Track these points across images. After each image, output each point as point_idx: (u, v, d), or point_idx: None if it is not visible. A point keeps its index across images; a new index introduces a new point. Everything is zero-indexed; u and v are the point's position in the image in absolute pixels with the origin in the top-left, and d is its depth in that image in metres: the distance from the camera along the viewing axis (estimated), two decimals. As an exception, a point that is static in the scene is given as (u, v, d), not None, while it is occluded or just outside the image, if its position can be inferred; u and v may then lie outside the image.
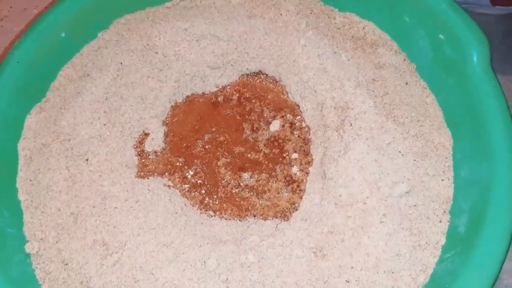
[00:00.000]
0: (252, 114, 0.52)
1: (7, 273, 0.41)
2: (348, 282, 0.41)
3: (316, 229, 0.43)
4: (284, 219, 0.46)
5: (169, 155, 0.50)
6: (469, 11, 0.49)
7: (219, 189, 0.48)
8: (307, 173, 0.48)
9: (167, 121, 0.52)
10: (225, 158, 0.49)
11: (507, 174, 0.41)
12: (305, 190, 0.48)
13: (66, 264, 0.42)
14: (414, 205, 0.43)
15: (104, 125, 0.49)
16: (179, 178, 0.48)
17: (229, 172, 0.49)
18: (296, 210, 0.46)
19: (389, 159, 0.45)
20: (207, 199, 0.48)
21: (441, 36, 0.49)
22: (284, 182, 0.48)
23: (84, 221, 0.44)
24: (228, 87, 0.54)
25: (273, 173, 0.49)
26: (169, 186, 0.48)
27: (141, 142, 0.50)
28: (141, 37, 0.54)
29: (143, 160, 0.49)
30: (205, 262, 0.42)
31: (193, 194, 0.48)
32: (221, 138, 0.51)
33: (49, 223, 0.44)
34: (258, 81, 0.54)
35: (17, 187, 0.46)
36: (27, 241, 0.43)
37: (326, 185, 0.46)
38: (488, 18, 0.61)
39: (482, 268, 0.38)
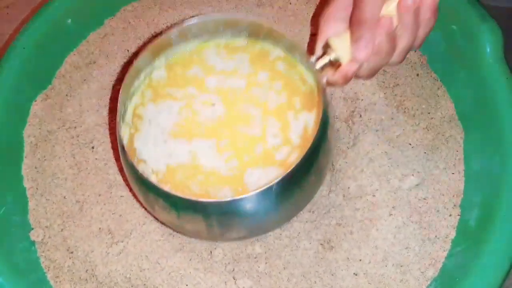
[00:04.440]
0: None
1: (12, 260, 0.40)
2: (356, 275, 0.40)
3: (324, 221, 0.43)
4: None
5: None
6: (481, 3, 0.48)
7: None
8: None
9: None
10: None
11: (519, 168, 0.40)
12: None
13: (71, 252, 0.42)
14: (424, 198, 0.43)
15: (111, 112, 0.48)
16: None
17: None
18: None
19: (399, 151, 0.45)
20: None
21: (454, 27, 0.48)
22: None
23: (89, 209, 0.44)
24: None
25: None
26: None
27: (147, 131, 0.49)
28: (148, 25, 0.53)
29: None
30: (211, 252, 0.41)
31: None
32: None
33: (54, 210, 0.44)
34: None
35: (22, 175, 0.45)
36: (32, 228, 0.43)
37: (335, 177, 0.45)
38: (501, 11, 0.61)
39: (493, 262, 0.38)
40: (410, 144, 0.45)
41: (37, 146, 0.47)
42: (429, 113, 0.47)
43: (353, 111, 0.48)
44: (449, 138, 0.46)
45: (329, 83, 0.39)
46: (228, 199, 0.34)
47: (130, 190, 0.44)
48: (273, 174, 0.36)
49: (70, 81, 0.50)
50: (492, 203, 0.40)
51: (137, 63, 0.39)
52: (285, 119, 0.38)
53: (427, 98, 0.48)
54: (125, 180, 0.44)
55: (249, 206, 0.34)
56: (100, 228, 0.43)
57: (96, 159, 0.46)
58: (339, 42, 0.37)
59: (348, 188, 0.44)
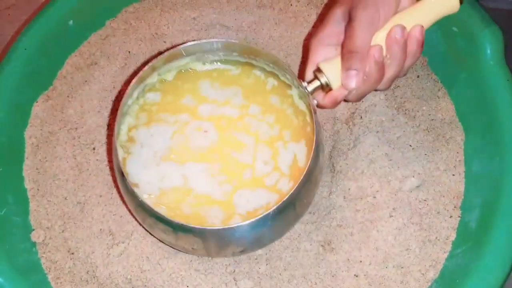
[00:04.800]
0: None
1: (13, 261, 0.40)
2: (357, 276, 0.40)
3: (324, 222, 0.43)
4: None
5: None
6: (482, 5, 0.48)
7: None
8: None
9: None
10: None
11: (520, 169, 0.40)
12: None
13: (72, 253, 0.42)
14: (425, 200, 0.43)
15: (112, 114, 0.48)
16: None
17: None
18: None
19: (400, 152, 0.45)
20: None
21: (454, 29, 0.48)
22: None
23: (90, 210, 0.44)
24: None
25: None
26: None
27: (148, 132, 0.49)
28: (150, 26, 0.53)
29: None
30: (212, 254, 0.41)
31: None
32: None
33: (55, 211, 0.44)
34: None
35: (23, 175, 0.45)
36: (33, 229, 0.43)
37: (335, 178, 0.45)
38: (501, 13, 0.61)
39: (494, 264, 0.38)
40: (410, 146, 0.46)
41: (38, 147, 0.47)
42: (429, 114, 0.47)
43: (353, 113, 0.48)
44: (449, 139, 0.46)
45: (319, 106, 0.40)
46: (226, 226, 0.36)
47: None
48: (262, 197, 0.38)
49: (72, 82, 0.50)
50: (492, 205, 0.41)
51: (132, 86, 0.39)
52: (275, 148, 0.40)
53: (428, 100, 0.48)
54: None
55: (245, 231, 0.36)
56: (101, 229, 0.43)
57: (97, 160, 0.46)
58: (330, 68, 0.38)
59: (349, 189, 0.44)
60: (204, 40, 0.40)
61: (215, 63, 0.43)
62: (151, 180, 0.38)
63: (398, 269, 0.40)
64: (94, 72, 0.50)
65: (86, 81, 0.50)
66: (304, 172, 0.35)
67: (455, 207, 0.43)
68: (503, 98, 0.44)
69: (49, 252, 0.42)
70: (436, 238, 0.41)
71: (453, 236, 0.41)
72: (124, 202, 0.43)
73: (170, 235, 0.37)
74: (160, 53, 0.46)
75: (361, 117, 0.48)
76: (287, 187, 0.38)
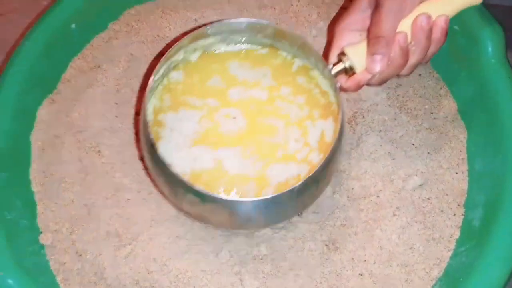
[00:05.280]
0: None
1: (22, 264, 0.41)
2: (361, 275, 0.41)
3: (328, 222, 0.43)
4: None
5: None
6: (483, 2, 0.48)
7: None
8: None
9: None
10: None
11: (522, 167, 0.41)
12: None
13: (80, 255, 0.42)
14: (428, 198, 0.43)
15: (116, 116, 0.49)
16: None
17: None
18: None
19: (402, 151, 0.45)
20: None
21: (455, 27, 0.48)
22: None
23: (97, 212, 0.44)
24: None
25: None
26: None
27: (152, 134, 0.49)
28: (151, 28, 0.53)
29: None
30: (217, 254, 0.42)
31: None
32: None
33: (63, 214, 0.44)
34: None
35: (30, 179, 0.46)
36: (41, 232, 0.44)
37: (339, 178, 0.45)
38: (502, 9, 0.61)
39: (498, 262, 0.38)
40: (413, 145, 0.46)
41: (44, 151, 0.47)
42: (431, 113, 0.48)
43: (356, 112, 0.48)
44: (452, 138, 0.46)
45: (341, 89, 0.41)
46: (259, 198, 0.37)
47: (137, 193, 0.45)
48: (293, 169, 0.39)
49: (75, 86, 0.50)
50: (495, 202, 0.41)
51: (158, 68, 0.40)
52: (304, 126, 0.41)
53: (430, 98, 0.48)
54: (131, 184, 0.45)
55: (274, 203, 0.37)
56: (108, 231, 0.43)
57: (102, 163, 0.46)
58: (355, 52, 0.39)
59: (352, 189, 0.44)
60: (229, 20, 0.41)
61: (239, 44, 0.43)
62: (183, 162, 0.39)
63: (403, 268, 0.41)
64: (98, 75, 0.51)
65: (89, 84, 0.50)
66: (335, 140, 0.37)
67: (458, 205, 0.43)
68: (504, 95, 0.44)
69: (57, 255, 0.43)
70: (440, 236, 0.42)
71: (457, 234, 0.42)
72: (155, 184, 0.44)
73: (199, 207, 0.38)
74: (162, 54, 0.46)
75: (364, 117, 0.48)
76: (317, 158, 0.39)
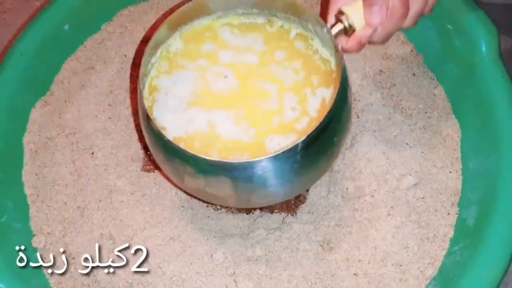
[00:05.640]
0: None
1: (14, 267, 0.40)
2: (356, 275, 0.41)
3: (323, 222, 0.43)
4: (290, 212, 0.46)
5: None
6: (475, 1, 0.48)
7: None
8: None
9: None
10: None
11: (516, 166, 0.41)
12: (311, 183, 0.47)
13: (73, 258, 0.42)
14: (422, 198, 0.43)
15: (109, 118, 0.48)
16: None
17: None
18: (303, 203, 0.46)
19: (397, 151, 0.45)
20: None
21: (449, 26, 0.48)
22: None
23: (90, 215, 0.44)
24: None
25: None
26: (175, 179, 0.47)
27: (146, 135, 0.49)
28: (145, 29, 0.53)
29: (149, 154, 0.48)
30: (212, 256, 0.42)
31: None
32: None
33: (56, 217, 0.44)
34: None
35: (23, 181, 0.46)
36: (34, 235, 0.43)
37: (333, 178, 0.45)
38: (495, 7, 0.61)
39: (491, 261, 0.38)
40: (407, 144, 0.46)
41: (37, 153, 0.47)
42: (426, 112, 0.48)
43: (350, 112, 0.48)
44: (446, 137, 0.46)
45: (344, 51, 0.39)
46: (256, 159, 0.34)
47: (130, 195, 0.45)
48: (293, 139, 0.38)
49: (69, 87, 0.50)
50: (489, 201, 0.41)
51: (155, 37, 0.39)
52: (302, 94, 0.40)
53: (424, 98, 0.48)
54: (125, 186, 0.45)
55: (275, 165, 0.35)
56: (101, 234, 0.43)
57: (96, 164, 0.46)
58: (352, 10, 0.38)
59: (347, 189, 0.44)
60: None
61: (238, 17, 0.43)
62: (178, 125, 0.38)
63: (397, 267, 0.41)
64: (91, 77, 0.50)
65: (83, 85, 0.50)
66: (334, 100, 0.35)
67: (452, 204, 0.43)
68: (498, 94, 0.44)
69: (50, 257, 0.42)
70: (434, 235, 0.42)
71: (451, 233, 0.42)
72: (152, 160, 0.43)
73: (199, 179, 0.37)
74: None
75: (358, 116, 0.48)
76: None
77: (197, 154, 0.34)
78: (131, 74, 0.51)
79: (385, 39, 0.39)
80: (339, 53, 0.38)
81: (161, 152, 0.38)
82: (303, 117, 0.39)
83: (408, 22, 0.38)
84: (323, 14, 0.41)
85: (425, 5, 0.38)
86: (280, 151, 0.34)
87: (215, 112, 0.39)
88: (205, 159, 0.34)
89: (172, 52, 0.42)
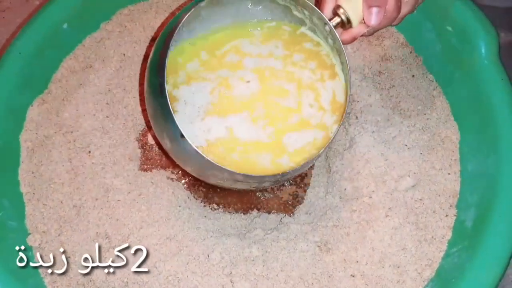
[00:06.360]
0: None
1: (9, 265, 0.40)
2: (353, 276, 0.40)
3: (320, 223, 0.43)
4: (288, 213, 0.46)
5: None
6: (477, 3, 0.48)
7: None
8: (311, 166, 0.48)
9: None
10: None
11: (515, 168, 0.40)
12: (309, 183, 0.47)
13: (69, 257, 0.42)
14: (420, 199, 0.43)
15: (107, 117, 0.48)
16: (183, 171, 0.48)
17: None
18: (301, 203, 0.46)
19: (395, 152, 0.45)
20: (210, 192, 0.47)
21: (449, 28, 0.48)
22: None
23: (86, 213, 0.44)
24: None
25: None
26: (172, 179, 0.47)
27: (144, 134, 0.49)
28: (144, 28, 0.53)
29: (146, 153, 0.48)
30: (208, 256, 0.41)
31: (197, 187, 0.47)
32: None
33: (52, 215, 0.44)
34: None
35: (19, 180, 0.45)
36: (29, 233, 0.43)
37: (331, 179, 0.45)
38: (496, 10, 0.61)
39: (489, 263, 0.38)
40: (406, 145, 0.46)
41: (33, 151, 0.46)
42: (424, 114, 0.48)
43: (349, 113, 0.48)
44: (444, 139, 0.46)
45: None
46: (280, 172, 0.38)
47: (127, 194, 0.45)
48: (309, 134, 0.41)
49: (67, 86, 0.50)
50: (488, 203, 0.41)
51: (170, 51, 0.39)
52: (317, 89, 0.42)
53: (423, 99, 0.48)
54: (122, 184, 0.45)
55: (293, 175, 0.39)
56: (97, 233, 0.43)
57: (93, 163, 0.46)
58: (350, 5, 0.39)
59: (345, 189, 0.44)
60: None
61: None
62: (197, 133, 0.40)
63: (395, 269, 0.40)
64: (89, 75, 0.50)
65: (81, 84, 0.50)
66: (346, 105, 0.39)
67: (450, 206, 0.43)
68: (497, 97, 0.44)
69: (45, 256, 0.42)
70: (432, 237, 0.41)
71: (448, 235, 0.42)
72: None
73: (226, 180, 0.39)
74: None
75: (357, 117, 0.48)
76: (330, 120, 0.41)
77: (216, 164, 0.36)
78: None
79: (372, 34, 0.42)
80: (344, 56, 0.40)
81: (183, 155, 0.38)
82: (319, 112, 0.41)
83: (396, 22, 0.41)
84: (317, 6, 0.41)
85: (413, 10, 0.41)
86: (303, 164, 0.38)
87: (231, 117, 0.40)
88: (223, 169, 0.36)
89: (192, 69, 0.42)
